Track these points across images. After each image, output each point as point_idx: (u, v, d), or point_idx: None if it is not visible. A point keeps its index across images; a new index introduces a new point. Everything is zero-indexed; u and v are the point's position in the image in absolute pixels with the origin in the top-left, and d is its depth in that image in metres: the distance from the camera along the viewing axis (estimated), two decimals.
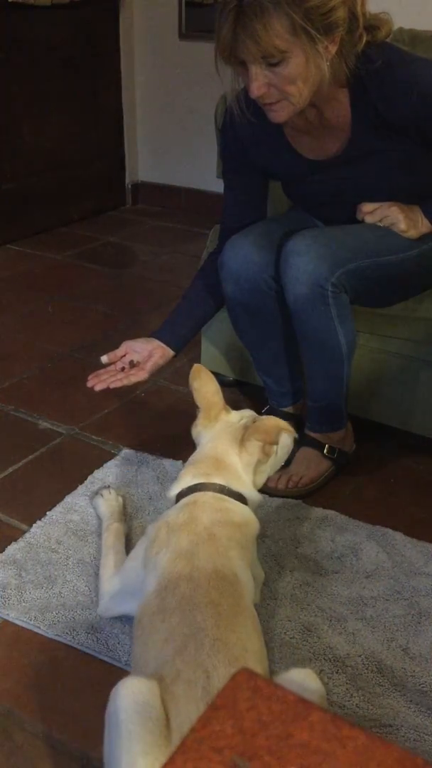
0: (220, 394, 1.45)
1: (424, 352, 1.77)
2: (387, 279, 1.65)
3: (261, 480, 1.41)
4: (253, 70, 1.40)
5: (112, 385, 1.65)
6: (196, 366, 1.47)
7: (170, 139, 3.86)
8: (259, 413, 1.94)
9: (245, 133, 1.65)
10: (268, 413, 1.88)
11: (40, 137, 3.47)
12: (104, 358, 1.71)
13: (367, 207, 1.61)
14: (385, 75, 1.47)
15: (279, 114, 1.48)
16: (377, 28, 1.46)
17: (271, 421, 1.39)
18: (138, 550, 1.33)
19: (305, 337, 1.64)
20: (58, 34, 3.40)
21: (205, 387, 1.45)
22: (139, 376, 1.69)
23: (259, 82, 1.41)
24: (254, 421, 1.41)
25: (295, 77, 1.40)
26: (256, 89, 1.42)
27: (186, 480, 1.35)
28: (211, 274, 1.76)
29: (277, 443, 1.40)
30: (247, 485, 1.37)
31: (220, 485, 1.33)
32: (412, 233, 1.60)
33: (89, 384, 1.66)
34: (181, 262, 3.24)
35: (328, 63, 1.41)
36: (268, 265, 1.65)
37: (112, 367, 1.70)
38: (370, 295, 1.68)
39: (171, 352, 1.74)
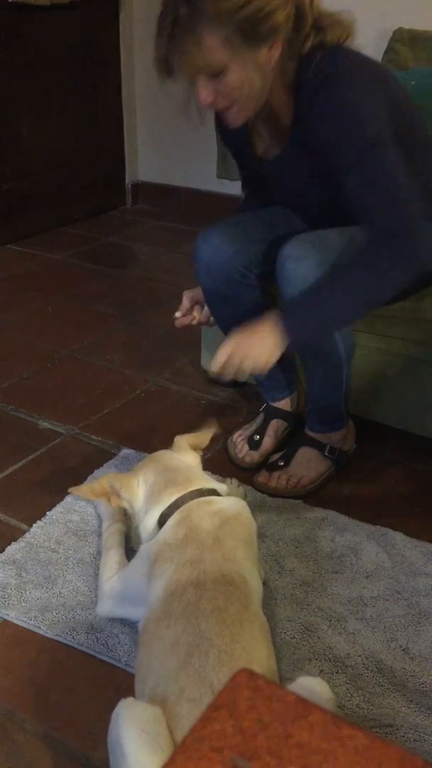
0: (112, 473, 1.47)
1: (425, 352, 1.77)
2: None
3: None
4: (198, 82, 1.41)
5: (193, 323, 1.85)
6: (72, 490, 1.45)
7: (170, 139, 3.86)
8: (257, 413, 1.95)
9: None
10: (265, 412, 1.89)
11: (40, 137, 3.47)
12: (177, 315, 1.84)
13: (219, 358, 1.45)
14: (318, 89, 1.41)
15: (233, 119, 1.48)
16: (326, 30, 1.41)
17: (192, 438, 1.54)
18: (137, 564, 1.32)
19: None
20: (58, 34, 3.40)
21: (95, 483, 1.43)
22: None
23: (205, 93, 1.42)
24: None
25: (239, 85, 1.40)
26: (203, 99, 1.43)
27: (163, 501, 1.33)
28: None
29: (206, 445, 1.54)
30: (212, 481, 1.40)
31: (198, 490, 1.32)
32: (275, 357, 1.44)
33: (176, 324, 1.85)
34: (181, 262, 3.24)
35: (272, 66, 1.40)
36: (239, 254, 1.67)
37: (186, 319, 1.84)
38: None
39: None
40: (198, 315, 1.83)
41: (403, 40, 2.41)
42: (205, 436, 1.55)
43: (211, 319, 1.84)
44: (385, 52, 2.43)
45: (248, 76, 1.39)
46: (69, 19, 3.40)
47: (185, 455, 1.47)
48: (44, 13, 3.26)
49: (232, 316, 1.77)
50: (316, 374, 1.70)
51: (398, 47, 2.40)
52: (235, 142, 1.71)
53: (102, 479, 1.43)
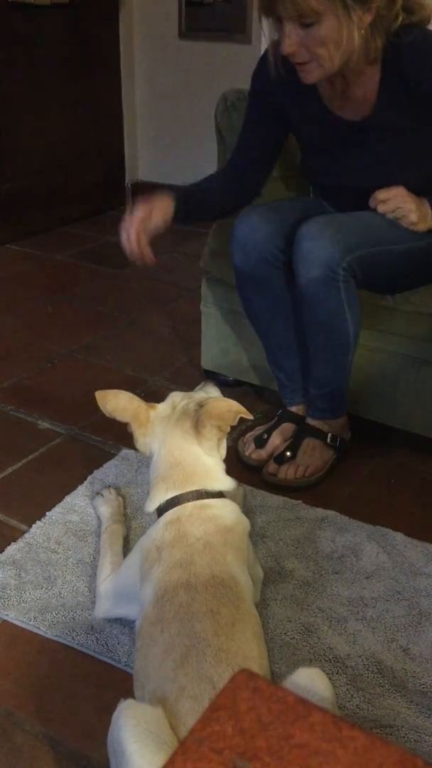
0: (135, 398, 1.40)
1: (424, 351, 1.77)
2: (395, 267, 1.67)
3: (223, 452, 1.38)
4: (288, 28, 1.44)
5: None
6: (97, 393, 1.40)
7: (170, 139, 3.86)
8: (264, 413, 1.95)
9: (279, 77, 1.68)
10: (280, 416, 1.89)
11: (40, 137, 3.47)
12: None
13: (381, 195, 1.60)
14: (424, 44, 1.50)
15: (308, 75, 1.52)
16: (414, 12, 1.49)
17: (223, 404, 1.34)
18: (133, 558, 1.32)
19: (314, 321, 1.66)
20: (58, 34, 3.40)
21: (119, 402, 1.39)
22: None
23: (291, 40, 1.45)
24: (198, 404, 1.35)
25: (327, 40, 1.44)
26: (288, 47, 1.46)
27: (160, 495, 1.31)
28: (215, 181, 1.86)
29: (235, 425, 1.35)
30: (219, 476, 1.33)
31: (197, 491, 1.29)
32: (421, 226, 1.61)
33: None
34: (181, 262, 3.24)
35: (361, 32, 1.45)
36: (275, 237, 1.68)
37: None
38: (377, 281, 1.71)
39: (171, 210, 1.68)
40: (144, 246, 1.64)
41: None
42: (229, 415, 1.34)
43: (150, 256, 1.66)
44: None
45: (336, 34, 1.44)
46: (69, 18, 3.40)
47: (201, 441, 1.34)
48: (44, 13, 3.26)
49: (260, 301, 1.80)
50: (324, 356, 1.71)
51: None
52: (295, 97, 1.70)
53: (133, 399, 1.39)
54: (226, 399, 1.37)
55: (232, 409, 1.33)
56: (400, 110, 1.57)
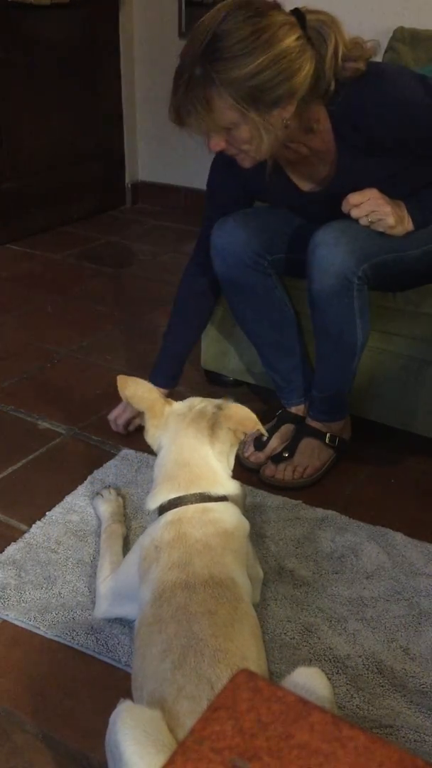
0: (155, 389, 1.41)
1: (425, 352, 1.77)
2: (408, 271, 1.67)
3: (233, 461, 1.39)
4: (208, 133, 1.45)
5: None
6: (118, 377, 1.41)
7: (170, 139, 3.86)
8: (263, 413, 1.94)
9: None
10: (280, 417, 1.89)
11: (40, 137, 3.47)
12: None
13: (354, 198, 1.53)
14: (366, 100, 1.45)
15: (243, 163, 1.52)
16: (357, 60, 1.43)
17: (244, 411, 1.35)
18: (132, 557, 1.32)
19: (324, 328, 1.65)
20: (58, 34, 3.40)
21: (138, 390, 1.40)
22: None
23: (215, 141, 1.46)
24: (216, 407, 1.37)
25: (248, 140, 1.43)
26: (213, 146, 1.47)
27: (164, 493, 1.30)
28: (193, 281, 1.90)
29: (251, 434, 1.36)
30: (224, 481, 1.33)
31: (201, 494, 1.28)
32: (399, 230, 1.55)
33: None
34: (181, 262, 3.22)
35: (285, 123, 1.42)
36: (253, 241, 1.69)
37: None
38: (388, 284, 1.70)
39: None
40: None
41: (403, 39, 2.41)
42: (249, 422, 1.36)
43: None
44: (386, 52, 2.43)
45: (258, 134, 1.42)
46: (69, 18, 3.40)
47: (214, 443, 1.34)
48: (44, 13, 3.26)
49: (244, 305, 1.80)
50: (330, 362, 1.71)
51: (398, 46, 2.39)
52: (262, 177, 1.67)
53: (152, 390, 1.40)
54: (246, 408, 1.37)
55: (252, 417, 1.34)
56: (359, 153, 1.54)
